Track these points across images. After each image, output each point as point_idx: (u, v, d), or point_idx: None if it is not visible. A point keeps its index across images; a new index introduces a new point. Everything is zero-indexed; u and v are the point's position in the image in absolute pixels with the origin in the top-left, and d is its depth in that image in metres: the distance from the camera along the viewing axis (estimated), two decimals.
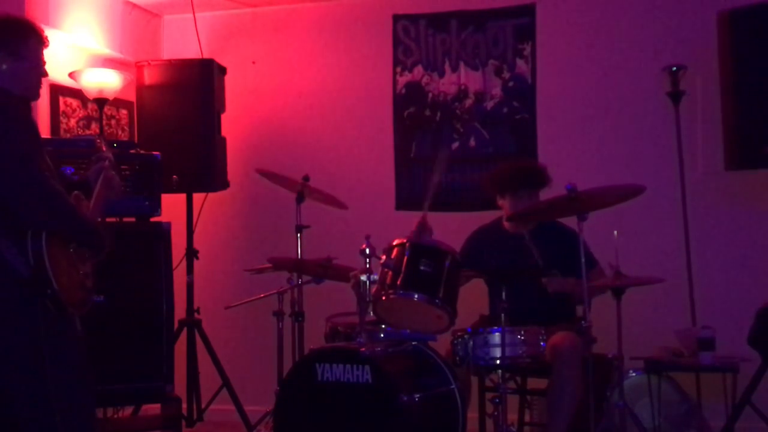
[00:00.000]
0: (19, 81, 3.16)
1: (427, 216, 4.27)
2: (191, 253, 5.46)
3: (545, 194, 4.56)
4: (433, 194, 4.33)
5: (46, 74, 3.30)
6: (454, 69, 5.73)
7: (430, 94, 5.78)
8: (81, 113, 5.48)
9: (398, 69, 5.84)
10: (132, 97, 5.65)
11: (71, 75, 5.13)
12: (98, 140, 3.59)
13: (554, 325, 4.23)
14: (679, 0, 5.36)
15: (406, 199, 5.78)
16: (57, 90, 5.22)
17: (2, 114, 3.02)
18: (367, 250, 3.98)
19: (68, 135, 5.31)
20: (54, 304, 2.99)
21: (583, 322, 3.94)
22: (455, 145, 5.72)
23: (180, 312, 5.24)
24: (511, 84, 5.64)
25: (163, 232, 4.90)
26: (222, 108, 5.53)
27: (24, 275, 2.94)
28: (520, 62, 5.62)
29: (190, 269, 5.44)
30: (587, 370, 3.99)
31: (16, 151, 2.94)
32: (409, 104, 5.82)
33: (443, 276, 3.90)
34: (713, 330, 4.42)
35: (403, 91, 5.83)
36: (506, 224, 4.63)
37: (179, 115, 5.35)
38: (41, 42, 3.24)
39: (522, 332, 3.98)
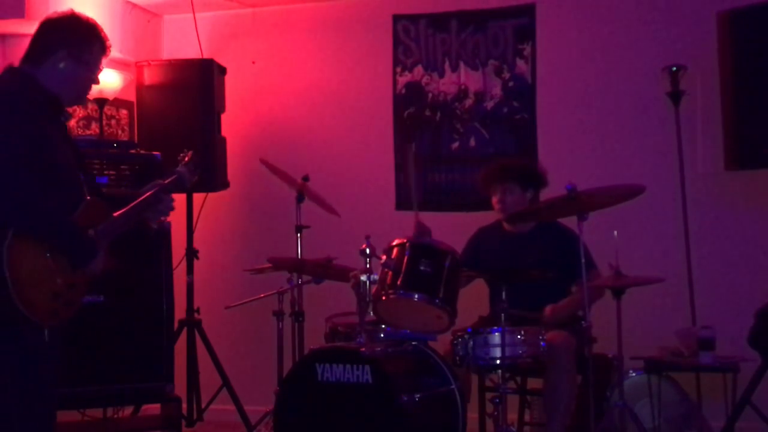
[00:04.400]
0: (69, 84, 3.07)
1: (419, 216, 4.28)
2: (191, 253, 5.46)
3: (545, 194, 4.57)
4: (425, 194, 4.34)
5: (97, 82, 3.20)
6: (454, 69, 5.73)
7: (430, 94, 5.78)
8: (81, 113, 5.48)
9: (398, 69, 5.84)
10: (132, 97, 5.65)
11: None
12: (182, 154, 3.44)
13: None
14: (679, 0, 5.36)
15: (406, 199, 5.77)
16: None
17: (3, 108, 2.89)
18: (367, 250, 3.98)
19: None
20: (9, 311, 2.78)
21: (583, 322, 3.95)
22: (455, 145, 5.72)
23: (180, 312, 5.24)
24: (511, 84, 5.64)
25: (163, 232, 4.89)
26: (222, 108, 5.53)
27: None
28: (520, 62, 5.62)
29: (190, 269, 5.44)
30: (583, 368, 4.01)
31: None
32: (409, 104, 5.82)
33: (443, 276, 3.90)
34: (713, 330, 4.42)
35: (403, 91, 5.83)
36: (506, 224, 4.63)
37: (179, 115, 5.35)
38: (104, 50, 3.16)
39: (522, 332, 3.98)
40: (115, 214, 3.11)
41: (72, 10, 3.19)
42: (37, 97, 2.99)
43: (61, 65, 3.04)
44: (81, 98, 3.23)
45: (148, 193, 3.21)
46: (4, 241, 2.78)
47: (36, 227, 2.86)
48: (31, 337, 2.89)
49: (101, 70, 3.19)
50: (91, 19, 3.18)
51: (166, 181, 3.28)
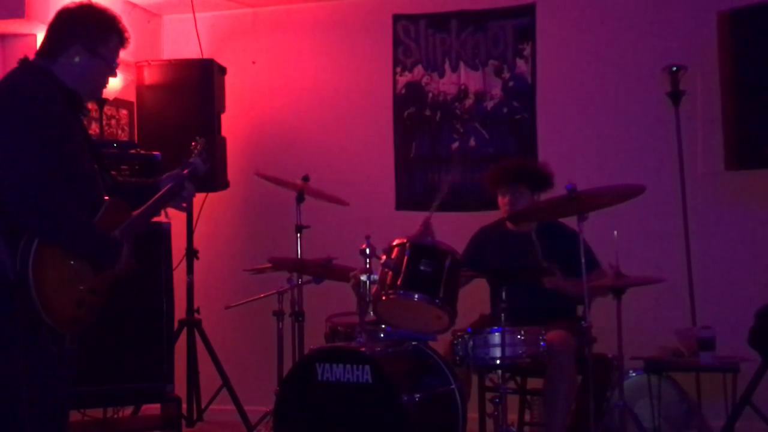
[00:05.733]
0: (85, 78, 2.99)
1: (431, 218, 4.27)
2: (191, 253, 5.47)
3: (545, 194, 4.57)
4: (424, 193, 4.32)
5: (115, 75, 3.11)
6: (454, 69, 5.73)
7: (430, 94, 5.78)
8: None
9: (398, 69, 5.84)
10: (132, 97, 5.66)
11: None
12: (194, 143, 3.39)
13: (553, 324, 4.23)
14: (679, 0, 5.36)
15: (406, 199, 5.78)
16: None
17: (21, 104, 2.82)
18: (367, 250, 3.98)
19: None
20: (31, 316, 2.77)
21: (583, 322, 3.94)
22: (455, 145, 5.72)
23: (180, 312, 5.24)
24: (511, 84, 5.64)
25: (163, 232, 4.89)
26: (222, 108, 5.53)
27: (11, 279, 2.75)
28: (520, 62, 5.62)
29: (190, 269, 5.45)
30: (583, 368, 4.00)
31: (15, 143, 2.74)
32: (409, 104, 5.82)
33: (443, 276, 3.89)
34: (713, 330, 4.42)
35: (403, 91, 5.83)
36: (509, 223, 4.63)
37: (179, 115, 5.35)
38: (122, 42, 3.06)
39: (522, 332, 3.98)
40: (135, 213, 3.09)
41: (90, 1, 3.09)
42: (56, 93, 2.92)
43: (77, 59, 2.96)
44: (97, 92, 3.15)
45: (168, 186, 3.22)
46: (30, 248, 2.76)
47: (60, 236, 2.83)
48: (52, 345, 2.87)
49: (118, 65, 3.11)
50: (110, 10, 3.08)
51: (185, 172, 3.28)
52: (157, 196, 3.19)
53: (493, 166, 4.86)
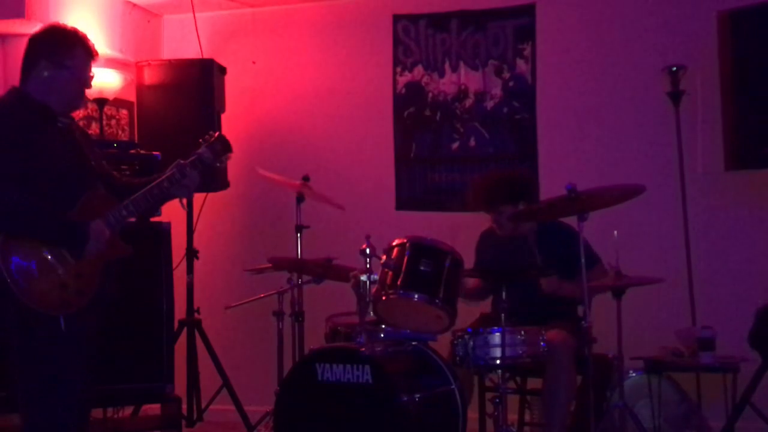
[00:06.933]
0: (57, 90, 3.17)
1: None
2: (191, 253, 5.46)
3: (545, 194, 4.57)
4: (425, 193, 4.27)
5: (89, 86, 3.29)
6: (454, 69, 5.73)
7: (430, 94, 5.78)
8: (81, 113, 5.48)
9: (398, 69, 5.84)
10: (132, 97, 5.66)
11: None
12: (205, 137, 3.44)
13: (553, 324, 4.23)
14: (679, 0, 5.36)
15: (406, 199, 5.78)
16: None
17: None
18: (367, 250, 3.98)
19: None
20: (14, 302, 2.98)
21: (583, 322, 3.94)
22: (455, 145, 5.72)
23: (180, 312, 5.24)
24: (511, 84, 5.64)
25: (163, 232, 4.90)
26: (222, 108, 5.53)
27: None
28: (520, 62, 5.62)
29: (190, 269, 5.44)
30: (583, 368, 4.00)
31: None
32: (409, 104, 5.82)
33: (443, 276, 3.90)
34: (713, 330, 4.42)
35: (403, 91, 5.83)
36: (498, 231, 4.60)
37: (179, 115, 5.35)
38: (89, 54, 3.24)
39: (522, 332, 3.98)
40: (132, 198, 3.23)
41: (54, 22, 3.35)
42: (22, 108, 3.12)
43: (45, 74, 3.16)
44: (75, 102, 3.31)
45: (169, 173, 3.32)
46: None
47: (14, 226, 3.02)
48: (44, 328, 3.03)
49: (92, 76, 3.28)
50: (73, 27, 3.28)
51: (187, 161, 3.36)
52: (155, 182, 3.30)
53: (467, 190, 4.75)
